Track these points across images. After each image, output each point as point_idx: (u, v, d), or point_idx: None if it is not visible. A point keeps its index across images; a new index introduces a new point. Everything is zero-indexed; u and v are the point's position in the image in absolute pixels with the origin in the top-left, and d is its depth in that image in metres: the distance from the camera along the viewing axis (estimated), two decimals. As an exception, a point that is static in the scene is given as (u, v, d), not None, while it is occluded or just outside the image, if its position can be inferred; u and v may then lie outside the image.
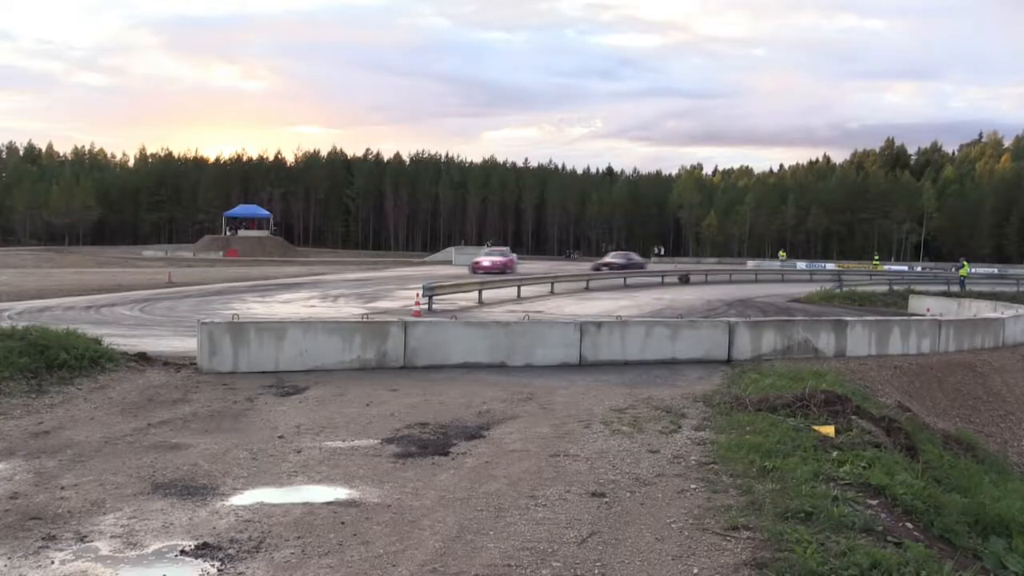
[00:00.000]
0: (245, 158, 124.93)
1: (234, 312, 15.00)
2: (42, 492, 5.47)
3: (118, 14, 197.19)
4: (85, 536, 4.70)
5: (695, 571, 4.37)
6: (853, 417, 7.88)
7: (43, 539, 4.63)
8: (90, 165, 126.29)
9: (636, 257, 45.46)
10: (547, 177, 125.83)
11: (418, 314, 17.16)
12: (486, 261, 39.13)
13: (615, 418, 8.20)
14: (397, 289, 27.09)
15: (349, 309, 19.57)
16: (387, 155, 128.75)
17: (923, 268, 66.91)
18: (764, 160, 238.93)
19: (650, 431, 7.65)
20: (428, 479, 5.98)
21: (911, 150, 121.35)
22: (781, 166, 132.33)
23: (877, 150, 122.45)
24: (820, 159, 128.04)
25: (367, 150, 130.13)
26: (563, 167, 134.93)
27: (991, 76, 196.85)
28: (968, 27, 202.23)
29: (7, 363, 8.81)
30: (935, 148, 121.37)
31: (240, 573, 4.24)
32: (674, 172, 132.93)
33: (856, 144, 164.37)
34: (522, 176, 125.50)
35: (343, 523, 5.00)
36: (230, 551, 4.51)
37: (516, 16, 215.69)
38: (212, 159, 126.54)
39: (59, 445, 6.69)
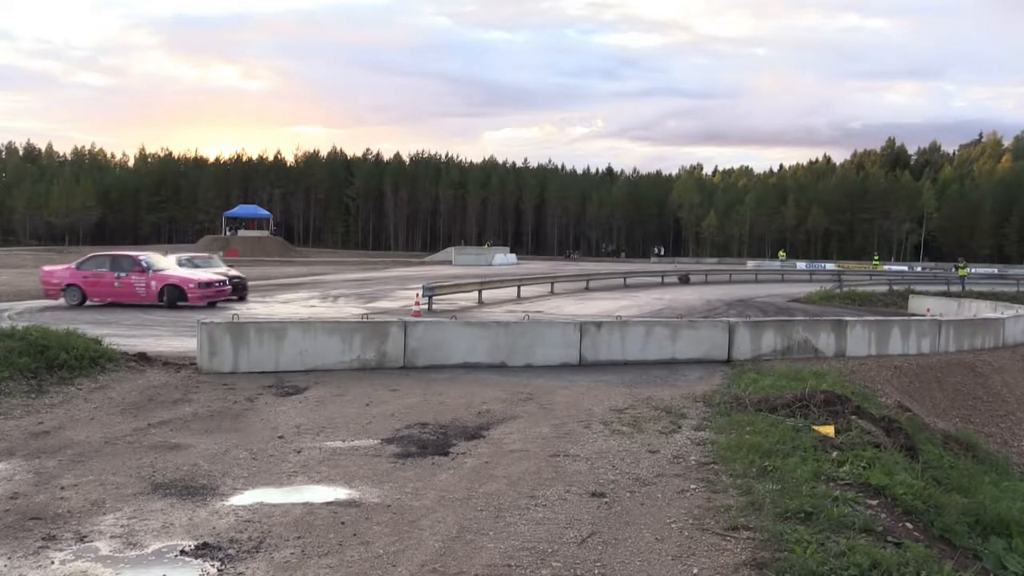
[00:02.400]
0: (245, 158, 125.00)
1: (234, 312, 14.98)
2: (42, 492, 5.47)
3: (118, 14, 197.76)
4: (85, 536, 4.70)
5: (695, 571, 4.37)
6: (853, 417, 7.88)
7: (43, 539, 4.63)
8: (90, 165, 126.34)
9: (210, 273, 20.62)
10: (547, 177, 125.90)
11: (418, 314, 17.16)
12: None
13: (615, 418, 8.20)
14: (397, 289, 27.09)
15: (349, 309, 19.57)
16: (387, 155, 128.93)
17: (923, 268, 66.94)
18: (765, 160, 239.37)
19: (650, 431, 7.65)
20: (428, 479, 5.98)
21: (913, 150, 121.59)
22: (781, 166, 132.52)
23: (878, 150, 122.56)
24: (820, 159, 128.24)
25: (367, 150, 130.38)
26: (563, 167, 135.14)
27: (993, 76, 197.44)
28: (971, 27, 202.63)
29: (7, 363, 8.81)
30: (934, 148, 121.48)
31: (240, 573, 4.24)
32: (674, 172, 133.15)
33: (858, 144, 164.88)
34: (522, 176, 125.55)
35: (343, 523, 4.99)
36: (230, 551, 4.51)
37: (517, 15, 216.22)
38: (212, 159, 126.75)
39: (59, 445, 6.69)
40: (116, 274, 18.42)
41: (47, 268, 19.88)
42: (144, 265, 18.72)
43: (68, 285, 18.33)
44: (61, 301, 18.27)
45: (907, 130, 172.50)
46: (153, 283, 18.45)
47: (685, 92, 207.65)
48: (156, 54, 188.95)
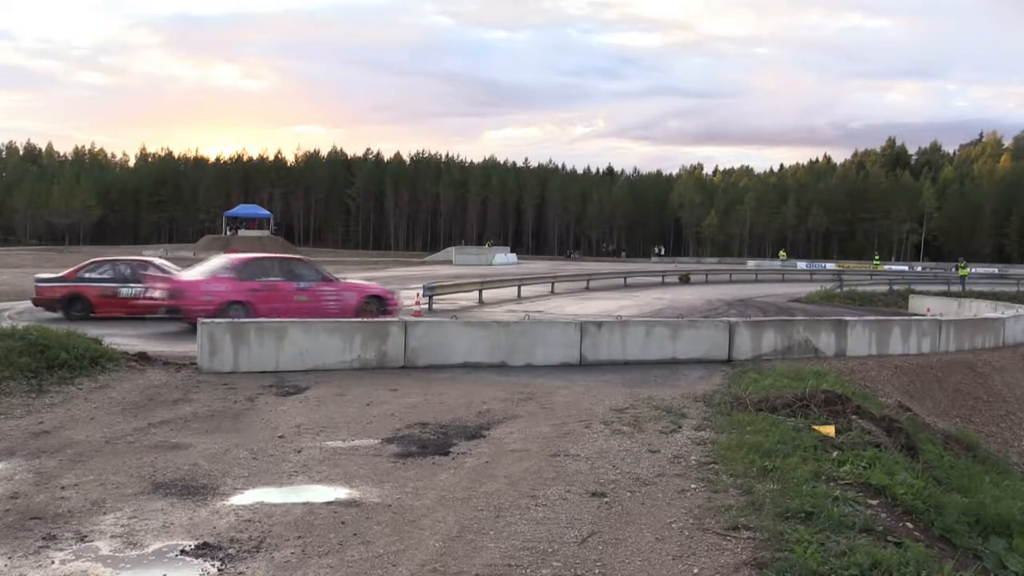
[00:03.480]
0: (245, 158, 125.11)
1: (234, 312, 14.94)
2: (42, 492, 5.46)
3: (118, 13, 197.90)
4: (85, 536, 4.69)
5: (695, 571, 4.36)
6: (853, 417, 7.88)
7: (43, 539, 4.63)
8: (90, 165, 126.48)
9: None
10: (548, 177, 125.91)
11: (418, 314, 17.17)
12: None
13: (615, 418, 8.20)
14: (397, 289, 26.96)
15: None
16: (387, 155, 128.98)
17: (923, 268, 66.97)
18: (766, 160, 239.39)
19: (650, 431, 7.65)
20: (428, 479, 5.98)
21: (913, 150, 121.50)
22: (782, 166, 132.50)
23: (878, 150, 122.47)
24: (820, 159, 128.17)
25: (367, 150, 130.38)
26: (563, 167, 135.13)
27: (995, 75, 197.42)
28: (973, 26, 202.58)
29: (7, 363, 8.80)
30: (935, 148, 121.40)
31: (240, 573, 4.24)
32: (675, 172, 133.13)
33: (858, 144, 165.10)
34: (523, 176, 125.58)
35: (343, 523, 4.99)
36: (230, 551, 4.51)
37: (519, 15, 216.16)
38: (212, 159, 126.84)
39: (59, 445, 6.69)
40: (297, 284, 14.34)
41: (190, 278, 14.32)
42: (325, 272, 15.14)
43: (232, 302, 13.51)
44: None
45: (908, 130, 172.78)
46: (350, 294, 14.80)
47: (686, 92, 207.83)
48: (156, 53, 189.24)
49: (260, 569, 4.29)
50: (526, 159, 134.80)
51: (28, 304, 18.65)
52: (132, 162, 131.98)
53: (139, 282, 15.48)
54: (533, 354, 11.63)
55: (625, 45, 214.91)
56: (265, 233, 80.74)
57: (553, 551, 4.60)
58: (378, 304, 14.98)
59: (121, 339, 11.68)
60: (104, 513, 5.08)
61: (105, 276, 16.01)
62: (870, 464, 6.38)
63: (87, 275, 16.00)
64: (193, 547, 4.55)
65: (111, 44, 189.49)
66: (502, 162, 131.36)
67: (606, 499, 5.58)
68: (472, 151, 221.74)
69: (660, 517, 5.22)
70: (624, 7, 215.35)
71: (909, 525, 5.34)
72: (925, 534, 5.29)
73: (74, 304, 15.53)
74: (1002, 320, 18.34)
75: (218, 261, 15.13)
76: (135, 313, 15.23)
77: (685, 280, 37.50)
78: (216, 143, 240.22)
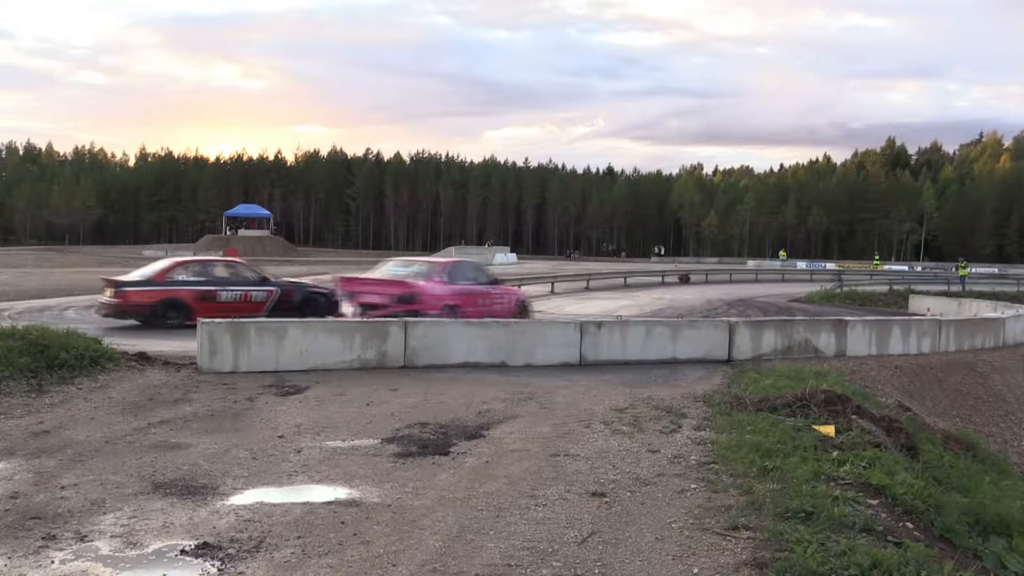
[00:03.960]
0: (245, 158, 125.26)
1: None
2: (42, 492, 5.46)
3: (118, 13, 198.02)
4: (85, 536, 4.69)
5: (695, 571, 4.36)
6: (853, 417, 7.88)
7: (43, 539, 4.62)
8: (90, 164, 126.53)
9: None
10: (548, 177, 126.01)
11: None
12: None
13: (615, 418, 8.19)
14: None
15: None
16: (387, 155, 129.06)
17: (923, 268, 67.05)
18: (766, 160, 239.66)
19: (650, 431, 7.65)
20: (428, 479, 5.98)
21: (913, 150, 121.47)
22: (782, 166, 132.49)
23: (878, 150, 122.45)
24: (821, 159, 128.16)
25: (367, 150, 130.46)
26: (563, 167, 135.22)
27: (995, 75, 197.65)
28: (973, 25, 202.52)
29: (7, 363, 8.79)
30: (935, 148, 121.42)
31: (240, 573, 4.24)
32: (675, 172, 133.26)
33: (859, 144, 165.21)
34: (523, 176, 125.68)
35: (343, 523, 4.99)
36: (230, 551, 4.51)
37: (519, 14, 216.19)
38: (212, 159, 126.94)
39: (59, 445, 6.68)
40: (480, 287, 14.99)
41: (418, 281, 14.03)
42: (493, 275, 16.01)
43: (448, 306, 13.82)
44: None
45: (909, 129, 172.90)
46: (511, 297, 15.75)
47: (686, 91, 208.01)
48: (156, 53, 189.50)
49: (260, 569, 4.29)
50: (526, 159, 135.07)
51: (28, 304, 18.61)
52: (132, 162, 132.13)
53: (238, 284, 14.81)
54: (533, 354, 11.62)
55: (625, 45, 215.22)
56: (265, 233, 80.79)
57: (553, 551, 4.60)
58: (522, 307, 15.99)
59: (121, 339, 11.66)
60: (104, 513, 5.08)
61: (200, 278, 14.70)
62: (870, 464, 6.38)
63: (179, 277, 14.62)
64: (193, 547, 4.55)
65: (111, 44, 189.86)
66: (502, 162, 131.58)
67: (606, 499, 5.58)
68: (472, 151, 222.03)
69: (660, 517, 5.22)
70: (624, 7, 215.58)
71: (909, 525, 5.34)
72: (925, 534, 5.29)
73: (170, 311, 14.09)
74: (1002, 320, 18.34)
75: (413, 264, 15.48)
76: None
77: (685, 280, 37.52)
78: (216, 143, 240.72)
